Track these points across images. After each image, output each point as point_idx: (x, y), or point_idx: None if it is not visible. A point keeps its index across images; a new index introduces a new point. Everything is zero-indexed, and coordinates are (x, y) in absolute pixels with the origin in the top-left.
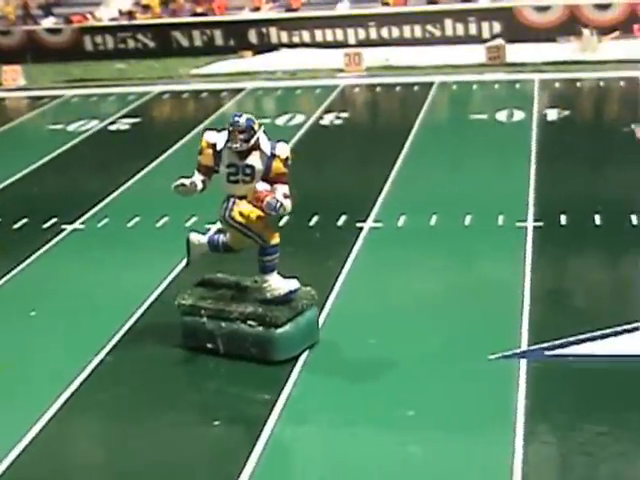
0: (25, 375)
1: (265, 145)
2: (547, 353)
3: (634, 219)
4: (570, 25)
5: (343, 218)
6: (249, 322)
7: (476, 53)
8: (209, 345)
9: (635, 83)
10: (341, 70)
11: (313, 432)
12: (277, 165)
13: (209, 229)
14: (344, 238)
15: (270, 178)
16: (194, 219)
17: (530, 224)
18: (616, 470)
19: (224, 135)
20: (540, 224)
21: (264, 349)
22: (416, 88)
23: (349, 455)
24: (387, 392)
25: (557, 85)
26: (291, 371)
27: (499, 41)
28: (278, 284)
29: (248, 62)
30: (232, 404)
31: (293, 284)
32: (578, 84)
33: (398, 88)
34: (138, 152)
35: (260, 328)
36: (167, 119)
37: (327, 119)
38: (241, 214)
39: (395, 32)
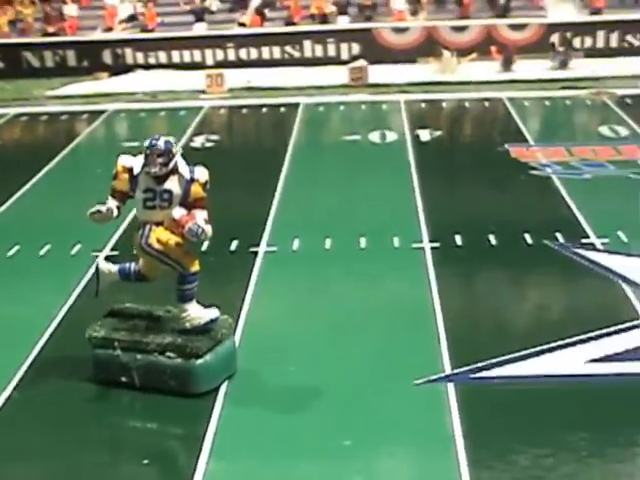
0: None
1: (183, 169)
2: (472, 376)
3: (528, 238)
4: (428, 46)
5: (235, 243)
6: (167, 353)
7: (339, 74)
8: (123, 378)
9: (500, 103)
10: (203, 92)
11: (249, 467)
12: (196, 189)
13: (97, 256)
14: (240, 263)
15: (188, 203)
16: (78, 246)
17: (427, 245)
18: None
19: (140, 159)
20: (436, 245)
21: (184, 381)
22: (282, 109)
23: None
24: (319, 422)
25: (423, 106)
26: (213, 404)
27: (362, 62)
28: (198, 313)
29: (105, 83)
30: (156, 441)
31: (213, 313)
32: (444, 104)
33: (264, 110)
34: (3, 177)
35: (179, 360)
36: (29, 142)
37: (198, 141)
38: (159, 241)
39: (254, 53)
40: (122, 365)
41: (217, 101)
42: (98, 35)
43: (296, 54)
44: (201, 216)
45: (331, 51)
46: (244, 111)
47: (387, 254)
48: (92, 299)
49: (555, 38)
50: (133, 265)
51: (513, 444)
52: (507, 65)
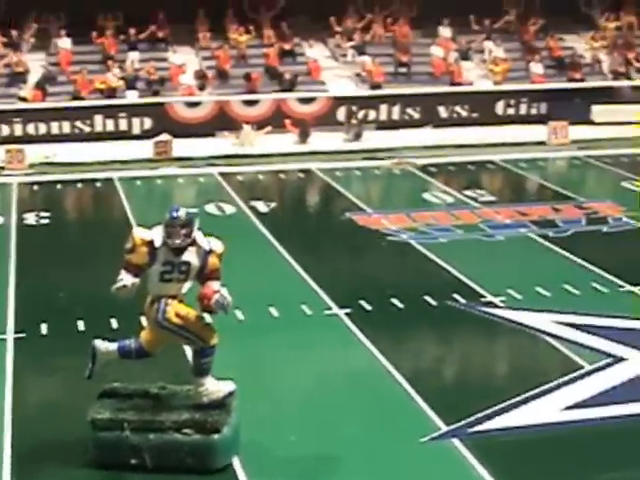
0: None
1: (201, 240)
2: (470, 431)
3: (430, 300)
4: (221, 120)
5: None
6: (185, 430)
7: (144, 148)
8: (133, 461)
9: (310, 174)
10: (2, 167)
11: None
12: (213, 261)
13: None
14: None
15: (205, 275)
16: None
17: (339, 311)
18: None
19: (158, 231)
20: (348, 310)
21: (203, 457)
22: (98, 184)
23: None
24: None
25: (240, 178)
26: (236, 477)
27: (166, 136)
28: (215, 387)
29: None
30: None
31: (230, 386)
32: (261, 177)
33: (80, 185)
34: None
35: (197, 436)
36: None
37: (31, 219)
38: (178, 315)
39: (42, 128)
40: (132, 447)
41: (21, 177)
42: None
43: (86, 129)
44: (221, 288)
45: (123, 125)
46: (59, 186)
47: (303, 322)
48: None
49: (342, 111)
50: (133, 342)
51: None
52: (304, 137)
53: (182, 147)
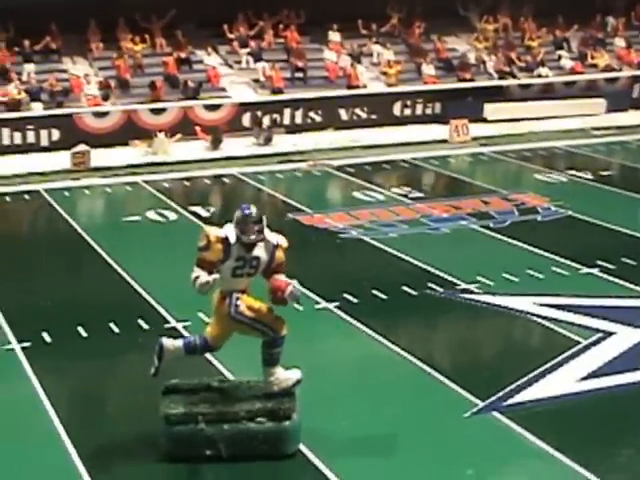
0: None
1: (269, 235)
2: (505, 404)
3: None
4: (130, 129)
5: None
6: (258, 419)
7: (61, 159)
8: (208, 452)
9: (235, 178)
10: None
11: None
12: (280, 255)
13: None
14: None
15: (272, 268)
16: None
17: (330, 305)
18: None
19: (230, 228)
20: (339, 304)
21: (276, 444)
22: (27, 197)
23: None
24: (423, 458)
25: (167, 185)
26: (310, 461)
27: (83, 147)
28: (284, 375)
29: None
30: None
31: (298, 374)
32: (187, 183)
33: (8, 198)
34: None
35: (270, 423)
36: None
37: None
38: (250, 308)
39: None
40: (207, 438)
41: None
42: None
43: None
44: (289, 280)
45: (30, 138)
46: None
47: (298, 317)
48: None
49: (247, 117)
50: (197, 338)
51: (604, 445)
52: (216, 144)
53: (98, 157)
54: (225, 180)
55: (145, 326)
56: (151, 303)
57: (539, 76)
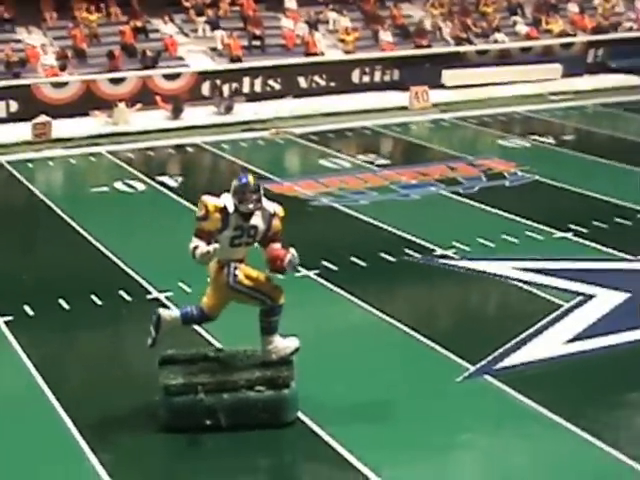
0: None
1: (266, 203)
2: (495, 367)
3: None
4: (89, 99)
5: None
6: (257, 388)
7: (21, 130)
8: (208, 421)
9: (199, 147)
10: None
11: None
12: (276, 223)
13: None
14: None
15: (269, 237)
16: None
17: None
18: None
19: (227, 198)
20: (318, 271)
21: (276, 413)
22: None
23: None
24: (416, 420)
25: (132, 155)
26: (309, 428)
27: (44, 118)
28: (283, 343)
29: None
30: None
31: (296, 342)
32: (152, 153)
33: None
34: None
35: (270, 392)
36: None
37: None
38: (249, 277)
39: None
40: (207, 408)
41: None
42: None
43: None
44: (285, 248)
45: None
46: None
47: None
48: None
49: (207, 86)
50: (194, 308)
51: (595, 404)
52: (177, 113)
53: (59, 128)
54: (189, 149)
55: (127, 297)
56: (130, 274)
57: (495, 42)
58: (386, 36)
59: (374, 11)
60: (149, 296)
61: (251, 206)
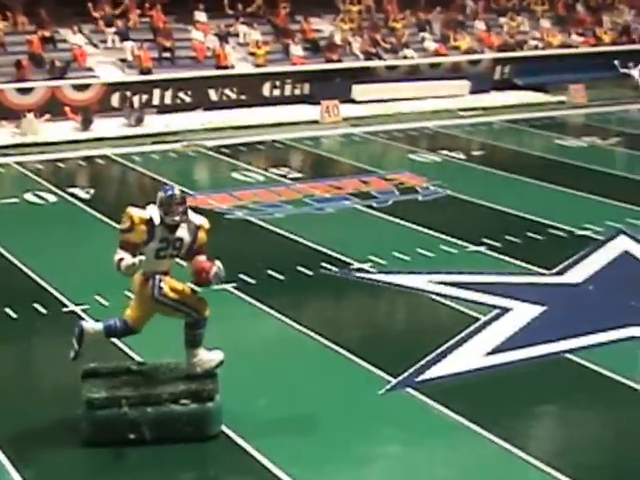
0: None
1: (192, 216)
2: (417, 380)
3: (306, 270)
4: None
5: None
6: (182, 401)
7: None
8: (131, 435)
9: (109, 159)
10: None
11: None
12: (202, 235)
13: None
14: None
15: (194, 250)
16: None
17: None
18: None
19: (153, 209)
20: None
21: (200, 426)
22: None
23: None
24: (340, 433)
25: (41, 167)
26: (233, 441)
27: None
28: (208, 356)
29: None
30: None
31: (220, 355)
32: (62, 165)
33: None
34: None
35: (194, 405)
36: None
37: None
38: (174, 290)
39: None
40: (130, 422)
41: None
42: None
43: None
44: (210, 260)
45: None
46: None
47: None
48: None
49: (116, 97)
50: (117, 320)
51: (522, 420)
52: (87, 124)
53: None
54: (99, 161)
55: (43, 310)
56: (45, 287)
57: (404, 58)
58: (297, 50)
59: (284, 25)
60: (65, 309)
61: (177, 218)
